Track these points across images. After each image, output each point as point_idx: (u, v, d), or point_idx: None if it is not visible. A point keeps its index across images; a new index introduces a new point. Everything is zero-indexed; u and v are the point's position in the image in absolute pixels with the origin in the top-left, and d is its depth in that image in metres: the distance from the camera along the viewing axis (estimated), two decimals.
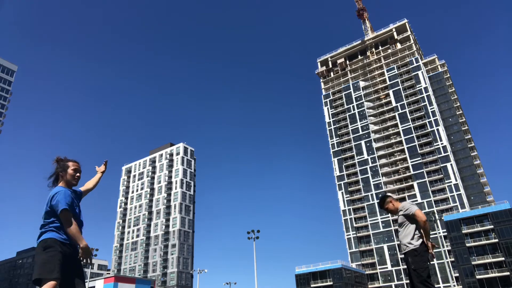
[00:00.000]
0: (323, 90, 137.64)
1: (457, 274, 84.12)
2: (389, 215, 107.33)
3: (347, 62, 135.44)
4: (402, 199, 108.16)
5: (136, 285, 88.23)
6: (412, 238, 5.87)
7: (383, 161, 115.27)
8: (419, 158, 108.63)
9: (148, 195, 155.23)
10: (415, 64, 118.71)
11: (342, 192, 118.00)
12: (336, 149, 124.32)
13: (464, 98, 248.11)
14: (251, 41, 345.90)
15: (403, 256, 6.15)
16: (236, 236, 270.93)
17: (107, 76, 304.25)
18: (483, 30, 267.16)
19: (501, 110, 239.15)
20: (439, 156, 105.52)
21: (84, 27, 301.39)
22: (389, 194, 6.30)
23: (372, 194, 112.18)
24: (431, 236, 6.08)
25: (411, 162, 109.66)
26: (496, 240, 78.49)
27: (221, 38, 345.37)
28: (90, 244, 4.41)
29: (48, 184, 4.54)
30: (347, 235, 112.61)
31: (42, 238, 4.14)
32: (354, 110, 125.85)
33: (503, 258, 76.82)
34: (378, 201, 6.19)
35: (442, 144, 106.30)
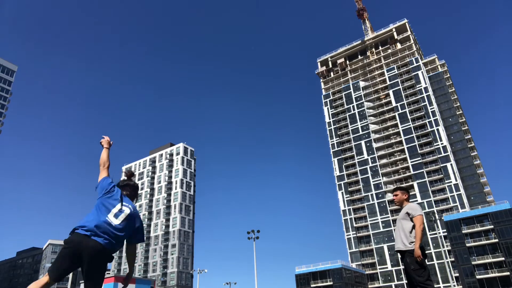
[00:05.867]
0: (323, 90, 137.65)
1: (457, 274, 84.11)
2: (389, 215, 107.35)
3: (347, 62, 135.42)
4: None
5: (136, 285, 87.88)
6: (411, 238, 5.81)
7: (383, 161, 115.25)
8: (419, 158, 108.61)
9: (148, 195, 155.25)
10: (415, 64, 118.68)
11: (342, 192, 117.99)
12: (336, 149, 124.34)
13: (464, 98, 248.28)
14: (251, 41, 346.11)
15: (398, 250, 6.00)
16: (236, 236, 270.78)
17: (107, 76, 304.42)
18: (483, 30, 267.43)
19: (501, 110, 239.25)
20: (439, 156, 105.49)
21: (84, 28, 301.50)
22: (402, 187, 6.35)
23: (372, 194, 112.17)
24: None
25: (411, 162, 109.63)
26: (496, 240, 78.52)
27: (221, 38, 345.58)
28: None
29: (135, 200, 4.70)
30: (347, 235, 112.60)
31: None
32: (354, 110, 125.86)
33: (503, 258, 76.84)
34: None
35: (442, 144, 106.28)
